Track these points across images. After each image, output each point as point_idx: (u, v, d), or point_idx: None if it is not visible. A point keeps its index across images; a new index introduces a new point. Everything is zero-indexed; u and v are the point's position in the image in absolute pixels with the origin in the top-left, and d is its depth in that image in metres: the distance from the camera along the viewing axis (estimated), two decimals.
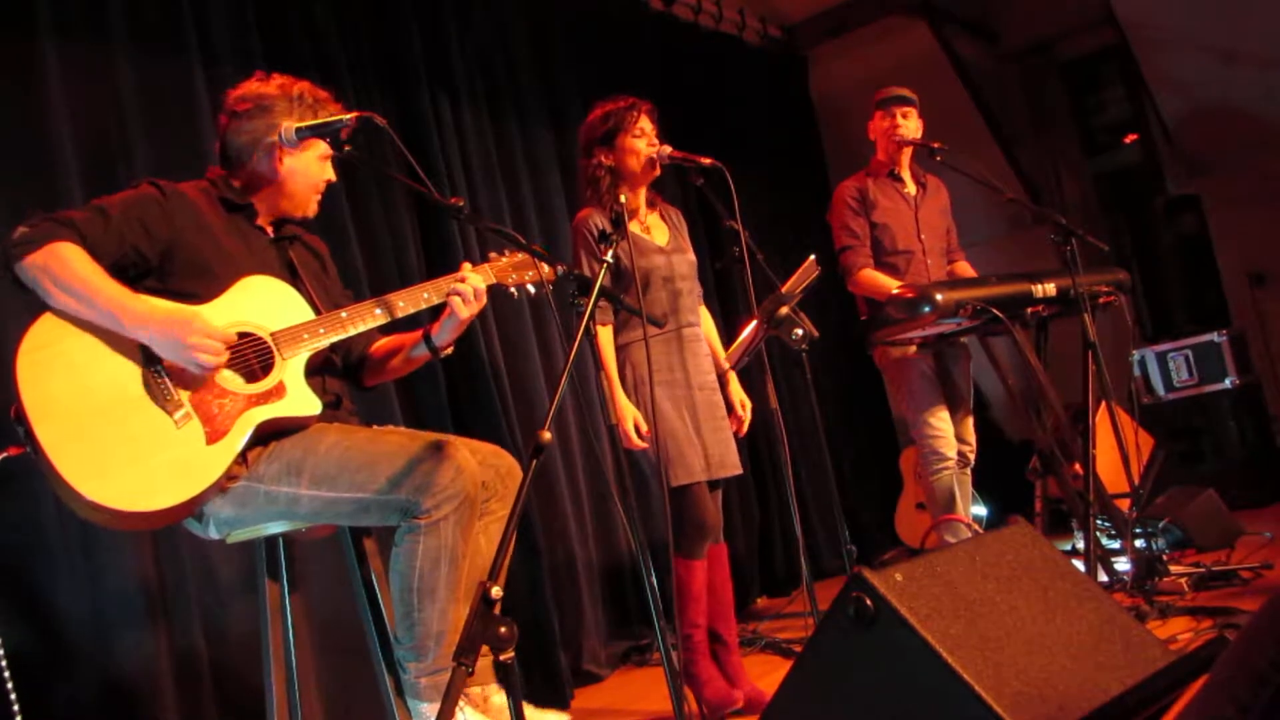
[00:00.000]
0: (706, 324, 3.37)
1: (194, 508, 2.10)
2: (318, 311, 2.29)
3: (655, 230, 3.27)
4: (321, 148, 2.37)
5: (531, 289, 2.45)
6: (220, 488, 2.11)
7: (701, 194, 3.13)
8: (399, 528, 2.18)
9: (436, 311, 2.40)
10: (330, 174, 2.42)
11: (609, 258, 2.34)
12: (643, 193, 3.26)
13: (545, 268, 2.43)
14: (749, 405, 3.36)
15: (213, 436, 2.08)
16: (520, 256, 2.44)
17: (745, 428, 3.36)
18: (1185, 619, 3.14)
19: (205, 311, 2.16)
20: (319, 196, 2.43)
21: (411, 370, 2.56)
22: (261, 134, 2.33)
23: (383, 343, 2.53)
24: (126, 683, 2.79)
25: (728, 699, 3.09)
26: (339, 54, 3.76)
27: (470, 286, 2.32)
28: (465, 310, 2.32)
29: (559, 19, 4.86)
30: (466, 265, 2.41)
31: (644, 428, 3.01)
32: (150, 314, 2.06)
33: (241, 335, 2.18)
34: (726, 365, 3.36)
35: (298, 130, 2.32)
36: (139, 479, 1.99)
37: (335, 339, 2.26)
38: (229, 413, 2.11)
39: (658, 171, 3.21)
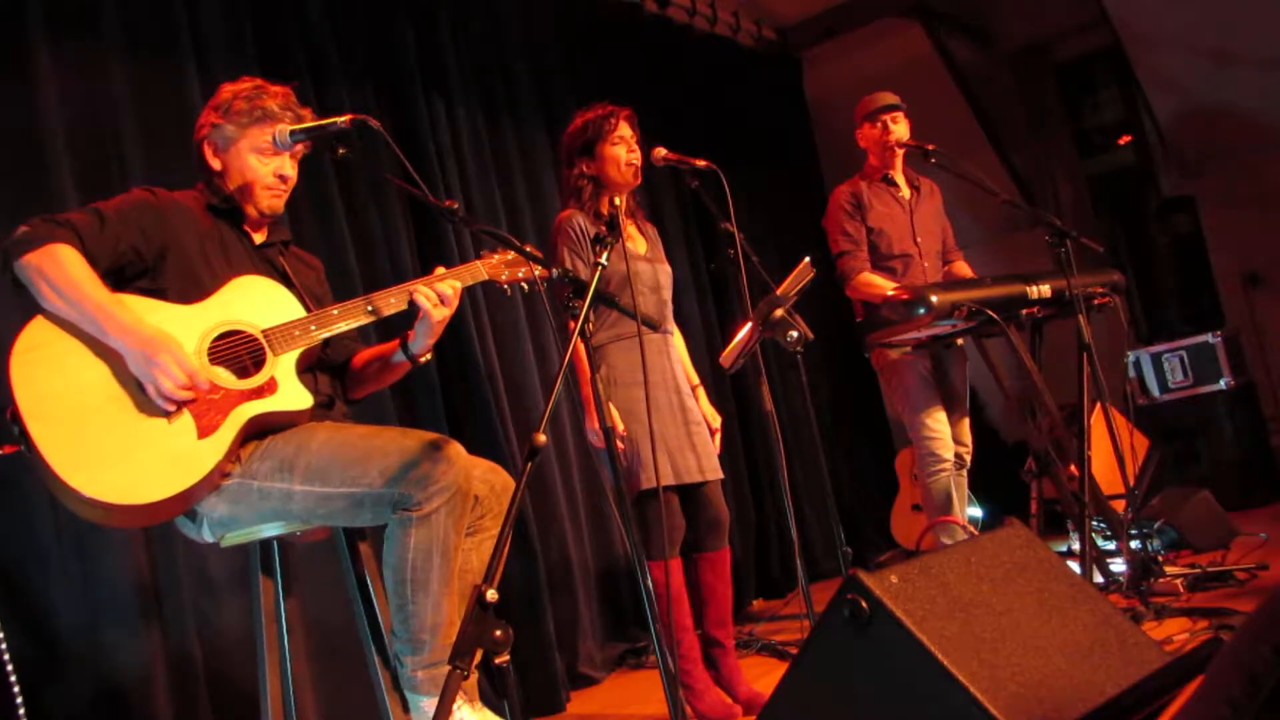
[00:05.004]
0: (678, 340, 3.39)
1: (187, 503, 2.10)
2: (309, 310, 2.30)
3: (635, 240, 3.29)
4: (257, 142, 2.34)
5: (525, 286, 2.45)
6: (213, 484, 2.12)
7: (696, 196, 3.14)
8: (391, 521, 2.17)
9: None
10: (285, 168, 2.38)
11: (603, 260, 2.33)
12: (625, 199, 3.26)
13: (538, 268, 2.43)
14: (719, 420, 3.36)
15: (204, 431, 2.09)
16: (512, 254, 2.44)
17: (718, 443, 3.36)
18: (1181, 620, 3.14)
19: (198, 309, 2.18)
20: (274, 192, 2.38)
21: (394, 379, 2.55)
22: (202, 132, 2.37)
23: (363, 353, 2.53)
24: (121, 686, 2.78)
25: (726, 714, 3.08)
26: (334, 56, 3.76)
27: (436, 290, 2.31)
28: (436, 313, 2.32)
29: (554, 21, 4.86)
30: (440, 269, 2.41)
31: (620, 428, 3.02)
32: (133, 326, 2.07)
33: (233, 332, 2.19)
34: (695, 380, 3.37)
35: (292, 134, 2.33)
36: (131, 472, 2.00)
37: (327, 334, 2.27)
38: (220, 407, 2.12)
39: (637, 181, 3.22)
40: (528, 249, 2.32)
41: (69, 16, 3.06)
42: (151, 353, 2.04)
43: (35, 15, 2.97)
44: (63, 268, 2.05)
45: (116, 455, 2.01)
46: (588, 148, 3.20)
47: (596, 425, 3.04)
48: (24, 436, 1.98)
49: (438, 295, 2.32)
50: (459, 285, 2.35)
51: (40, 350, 2.04)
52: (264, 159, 2.35)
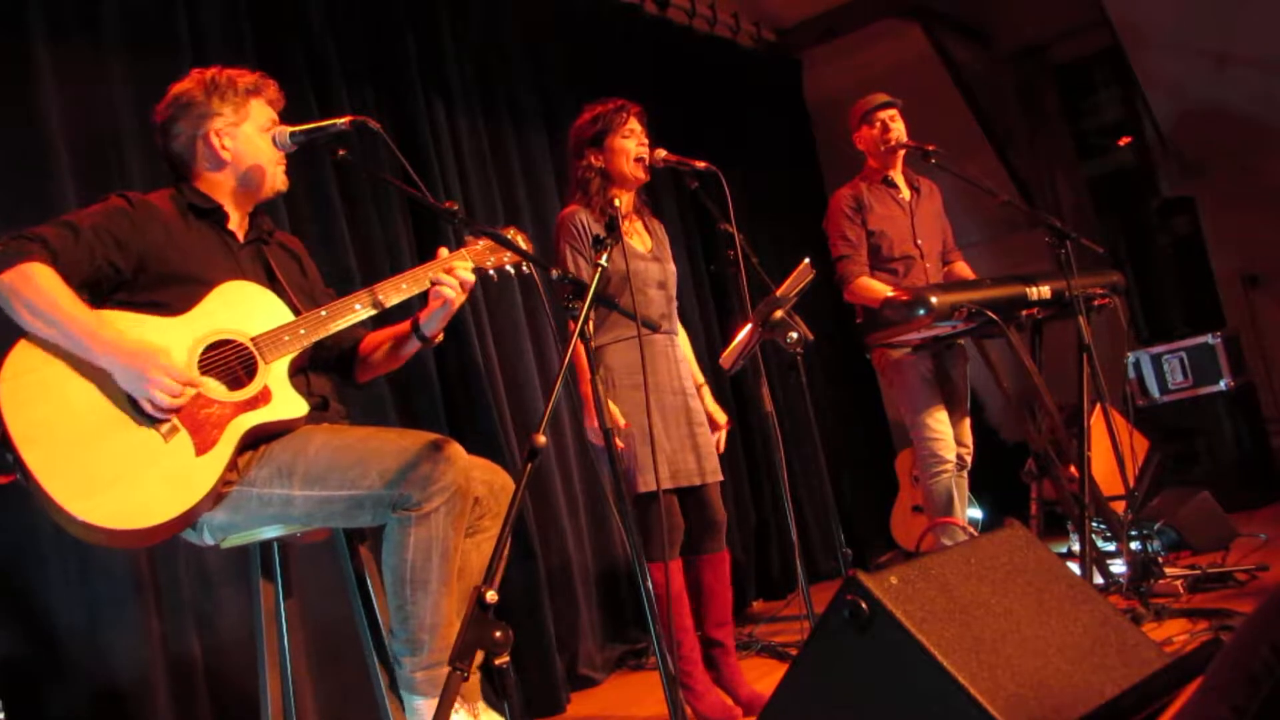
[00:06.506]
0: (683, 338, 3.39)
1: (189, 520, 2.08)
2: (297, 313, 2.27)
3: (638, 237, 3.28)
4: (261, 120, 2.34)
5: (511, 270, 2.45)
6: (215, 498, 2.10)
7: (696, 197, 3.14)
8: (390, 521, 2.17)
9: (422, 299, 2.38)
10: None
11: (604, 261, 2.33)
12: (630, 197, 3.26)
13: (521, 244, 2.42)
14: (725, 418, 3.36)
15: (202, 447, 2.07)
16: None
17: (723, 442, 3.35)
18: (1181, 621, 3.14)
19: (184, 320, 2.15)
20: (282, 167, 2.39)
21: (404, 361, 2.53)
22: (194, 129, 2.33)
23: (371, 337, 2.51)
24: (121, 688, 2.78)
25: (726, 715, 3.08)
26: (334, 57, 3.76)
27: (455, 279, 2.31)
28: (457, 299, 2.32)
29: (554, 22, 4.86)
30: (443, 251, 2.40)
31: (622, 424, 3.02)
32: (118, 343, 2.04)
33: (223, 342, 2.17)
34: (701, 379, 3.37)
35: (292, 135, 2.34)
36: (131, 496, 1.98)
37: (317, 338, 2.25)
38: (216, 422, 2.09)
39: (647, 176, 3.22)
40: (517, 239, 2.31)
41: (69, 16, 3.06)
42: (141, 368, 2.02)
43: (35, 15, 2.96)
44: (38, 288, 2.01)
45: (116, 479, 1.98)
46: (597, 139, 3.19)
47: (596, 424, 3.04)
48: (19, 465, 1.94)
49: (459, 283, 2.32)
50: (471, 278, 2.35)
51: (29, 375, 2.00)
52: (266, 135, 2.35)
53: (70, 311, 2.02)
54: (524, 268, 2.44)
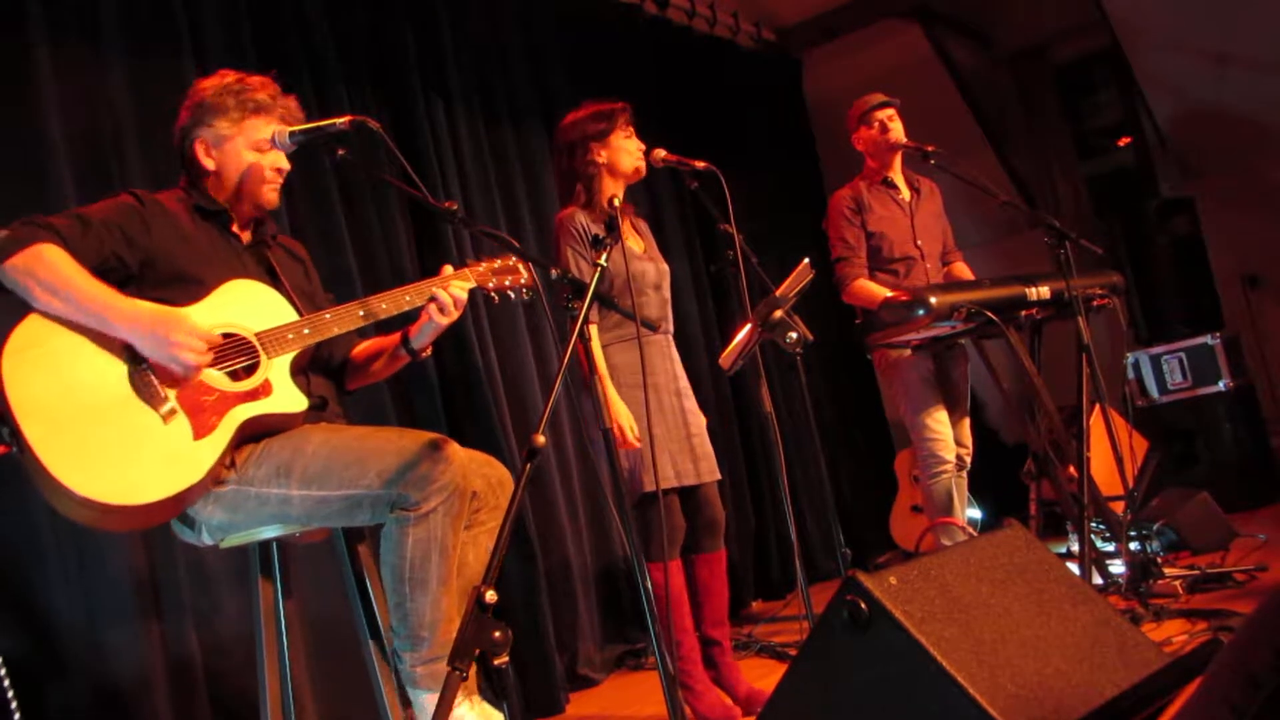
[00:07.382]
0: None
1: (182, 505, 2.09)
2: (300, 313, 2.29)
3: (633, 239, 3.28)
4: (253, 137, 2.33)
5: (511, 294, 2.45)
6: (208, 487, 2.11)
7: (696, 197, 3.14)
8: (388, 520, 2.17)
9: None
10: (281, 161, 2.38)
11: (603, 261, 2.33)
12: (622, 196, 3.26)
13: (525, 273, 2.43)
14: (701, 422, 3.36)
15: (200, 432, 2.08)
16: (499, 262, 2.44)
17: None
18: (1180, 621, 3.14)
19: (190, 312, 2.16)
20: (272, 186, 2.38)
21: (393, 372, 2.55)
22: (190, 129, 2.34)
23: (363, 346, 2.53)
24: (120, 687, 2.78)
25: (725, 715, 3.08)
26: (333, 57, 3.76)
27: (449, 296, 2.32)
28: (443, 318, 2.33)
29: (554, 22, 4.87)
30: (448, 268, 2.41)
31: (635, 429, 3.02)
32: (136, 313, 2.06)
33: (226, 335, 2.18)
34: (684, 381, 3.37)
35: (291, 135, 2.33)
36: (127, 473, 1.99)
37: (319, 339, 2.26)
38: (215, 409, 2.11)
39: (644, 173, 3.22)
40: (522, 248, 2.32)
41: (69, 16, 3.06)
42: (164, 332, 2.04)
43: (35, 15, 2.96)
44: (52, 267, 2.03)
45: (112, 456, 1.99)
46: (600, 136, 3.19)
47: (610, 425, 3.04)
48: (16, 437, 1.95)
49: (453, 300, 2.32)
50: (463, 295, 2.36)
51: (33, 349, 2.02)
52: (261, 154, 2.34)
53: (85, 287, 2.04)
54: (524, 293, 2.45)
